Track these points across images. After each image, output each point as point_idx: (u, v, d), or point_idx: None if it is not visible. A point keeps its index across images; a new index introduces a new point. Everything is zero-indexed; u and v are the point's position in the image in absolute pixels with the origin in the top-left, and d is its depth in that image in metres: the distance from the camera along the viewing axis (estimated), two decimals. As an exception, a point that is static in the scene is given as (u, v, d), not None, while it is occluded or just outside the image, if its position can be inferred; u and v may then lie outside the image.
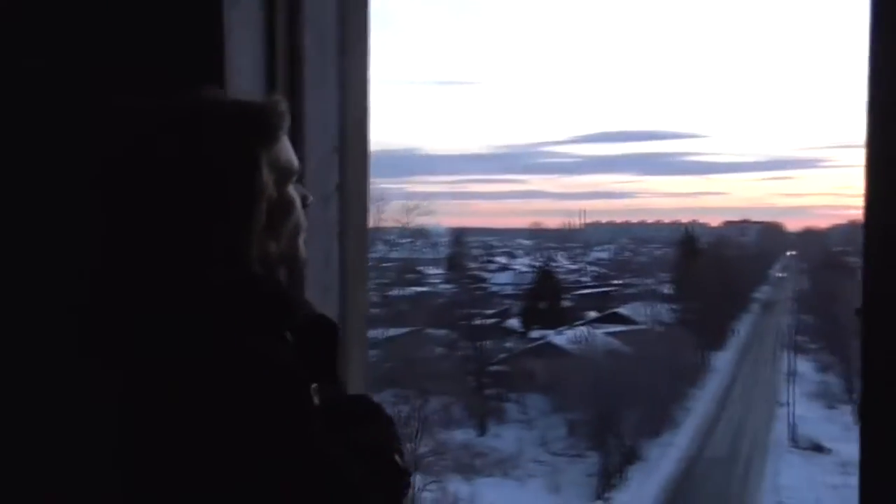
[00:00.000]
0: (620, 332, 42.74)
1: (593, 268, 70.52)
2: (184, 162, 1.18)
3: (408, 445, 28.26)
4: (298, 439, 1.13)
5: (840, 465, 30.51)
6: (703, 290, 48.83)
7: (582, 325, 44.68)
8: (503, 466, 33.09)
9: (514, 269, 64.11)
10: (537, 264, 59.47)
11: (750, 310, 64.42)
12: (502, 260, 73.26)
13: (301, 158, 1.67)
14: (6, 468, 1.55)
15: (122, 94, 1.42)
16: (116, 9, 1.48)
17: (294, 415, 1.14)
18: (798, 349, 47.44)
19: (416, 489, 27.38)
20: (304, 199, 1.34)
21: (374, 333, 32.79)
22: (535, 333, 44.31)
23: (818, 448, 32.94)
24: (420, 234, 50.10)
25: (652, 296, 52.50)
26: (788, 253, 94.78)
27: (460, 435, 33.19)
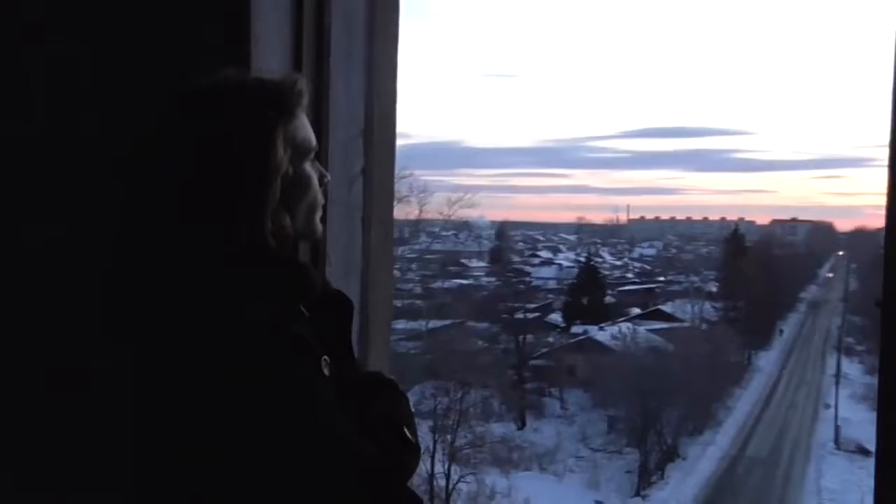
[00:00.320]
0: (663, 329, 42.34)
1: (637, 264, 69.95)
2: (201, 138, 1.22)
3: (446, 437, 28.36)
4: (303, 408, 1.16)
5: (886, 469, 29.93)
6: (749, 289, 48.18)
7: (624, 321, 44.33)
8: (541, 461, 33.02)
9: (558, 264, 63.81)
10: (581, 259, 59.10)
11: (797, 310, 63.44)
12: (546, 254, 72.97)
13: (325, 140, 1.72)
14: (28, 441, 1.60)
15: (153, 76, 1.47)
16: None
17: (299, 384, 1.17)
18: (845, 350, 46.62)
19: (453, 480, 27.47)
20: (321, 177, 1.37)
21: (415, 325, 32.91)
22: (576, 328, 44.07)
23: (863, 451, 32.31)
24: (464, 226, 50.11)
25: (696, 293, 51.95)
26: (838, 253, 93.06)
27: (499, 428, 33.17)
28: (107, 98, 1.55)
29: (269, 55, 1.57)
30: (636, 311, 49.15)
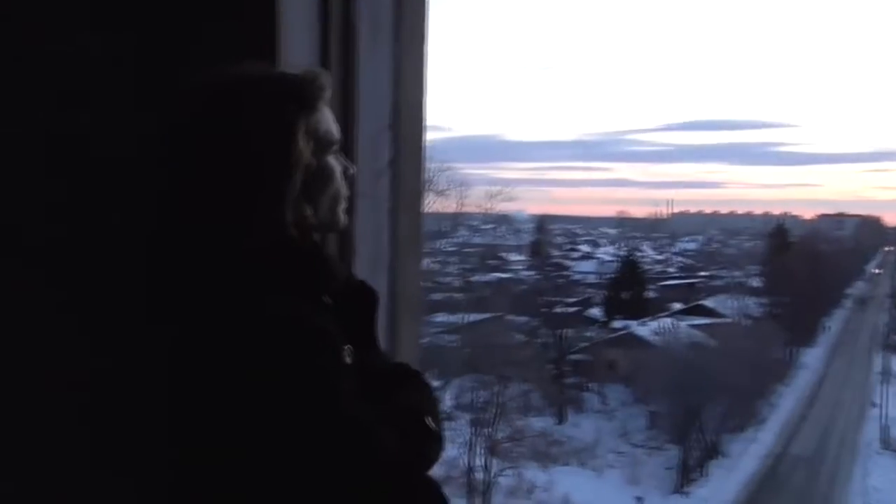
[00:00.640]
0: (705, 324, 41.95)
1: (679, 258, 69.30)
2: (223, 132, 1.24)
3: (485, 430, 28.38)
4: (324, 399, 1.17)
5: (934, 469, 29.38)
6: (793, 285, 47.53)
7: (666, 316, 44.01)
8: (580, 456, 32.91)
9: (598, 258, 63.49)
10: (621, 253, 58.72)
11: (843, 306, 62.42)
12: (586, 248, 72.60)
13: (352, 134, 1.72)
14: (70, 420, 1.64)
15: (178, 72, 1.49)
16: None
17: (320, 374, 1.18)
18: (893, 348, 45.77)
19: (492, 474, 27.51)
20: (345, 169, 1.38)
21: (454, 318, 32.96)
22: (617, 323, 43.84)
23: (911, 451, 31.76)
24: (503, 220, 50.04)
25: (739, 289, 51.37)
26: (886, 248, 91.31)
27: (538, 422, 33.11)
28: (139, 93, 1.58)
29: (296, 49, 1.58)
30: (677, 306, 48.74)
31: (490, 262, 47.29)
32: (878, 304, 61.29)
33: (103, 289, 1.58)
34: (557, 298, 42.80)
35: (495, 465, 27.94)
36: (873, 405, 38.83)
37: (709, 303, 48.65)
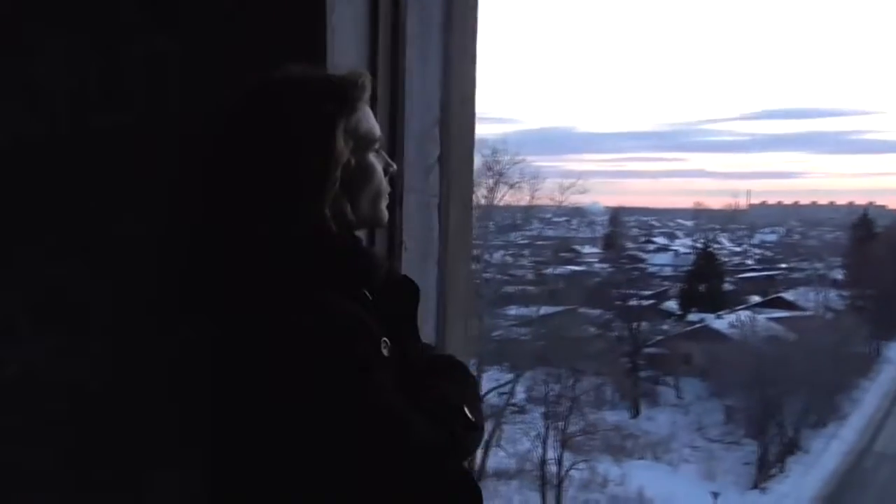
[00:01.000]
0: (785, 317, 40.92)
1: (758, 250, 67.76)
2: (265, 131, 1.30)
3: (558, 424, 28.27)
4: (359, 388, 1.21)
5: None
6: (878, 277, 45.99)
7: (743, 309, 43.05)
8: (655, 450, 32.52)
9: (674, 250, 62.49)
10: (698, 245, 57.66)
11: (931, 298, 60.16)
12: (661, 240, 71.54)
13: (401, 130, 1.77)
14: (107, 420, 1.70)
15: (232, 71, 1.55)
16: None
17: (356, 364, 1.22)
18: (984, 342, 43.99)
19: (565, 467, 27.40)
20: (387, 166, 1.42)
21: (527, 311, 32.87)
22: (693, 316, 43.10)
23: None
24: (577, 212, 49.63)
25: (821, 281, 49.97)
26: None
27: (612, 416, 32.83)
28: (193, 93, 1.64)
29: (346, 48, 1.63)
30: (756, 298, 47.66)
31: (563, 254, 46.93)
32: (970, 296, 58.86)
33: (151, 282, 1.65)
34: (632, 291, 42.24)
35: (568, 458, 27.81)
36: (963, 401, 37.42)
37: (788, 295, 47.44)
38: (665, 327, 42.05)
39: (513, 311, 33.46)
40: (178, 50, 1.64)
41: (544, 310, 33.15)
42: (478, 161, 31.87)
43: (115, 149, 1.69)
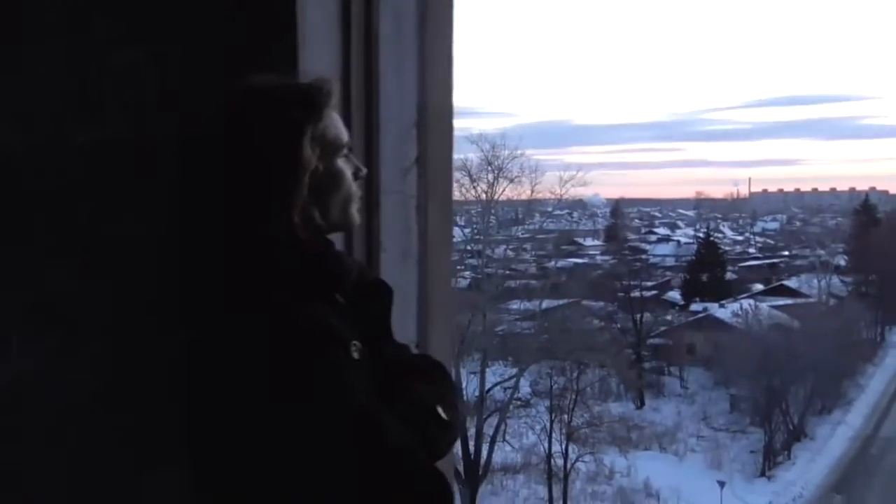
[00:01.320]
0: (788, 305, 40.93)
1: (760, 238, 67.71)
2: (232, 141, 1.33)
3: (563, 417, 28.29)
4: (329, 390, 1.23)
5: None
6: (881, 262, 45.97)
7: (746, 297, 43.06)
8: (661, 440, 32.57)
9: (676, 240, 62.48)
10: (700, 235, 57.62)
11: (935, 282, 60.07)
12: (663, 231, 71.51)
13: (376, 134, 1.79)
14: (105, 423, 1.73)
15: (203, 80, 1.57)
16: None
17: (325, 367, 1.24)
18: None
19: (571, 460, 27.42)
20: (357, 171, 1.44)
21: (530, 305, 32.88)
22: (696, 306, 43.12)
23: None
24: (578, 205, 49.61)
25: (824, 268, 49.92)
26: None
27: (617, 407, 32.88)
28: (166, 102, 1.67)
29: (318, 54, 1.65)
30: (759, 287, 47.69)
31: (565, 247, 46.91)
32: (973, 279, 58.78)
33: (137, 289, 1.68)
34: (635, 282, 42.24)
35: (574, 451, 27.84)
36: (969, 384, 37.39)
37: (791, 283, 47.45)
38: (668, 318, 42.06)
39: (515, 305, 33.46)
40: (153, 60, 1.67)
41: (547, 303, 33.14)
42: (477, 156, 31.93)
43: (100, 156, 1.72)
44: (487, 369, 28.31)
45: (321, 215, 1.38)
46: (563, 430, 28.17)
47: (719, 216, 76.12)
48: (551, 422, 28.24)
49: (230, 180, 1.32)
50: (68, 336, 1.72)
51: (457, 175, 31.95)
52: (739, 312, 38.74)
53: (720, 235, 62.08)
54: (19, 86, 1.74)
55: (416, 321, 1.91)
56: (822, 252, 52.28)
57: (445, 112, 2.01)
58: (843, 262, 51.81)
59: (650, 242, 62.05)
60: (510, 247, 36.19)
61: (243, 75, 1.43)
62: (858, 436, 33.15)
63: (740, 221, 76.70)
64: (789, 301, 42.17)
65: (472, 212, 34.79)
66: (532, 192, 34.16)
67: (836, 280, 48.53)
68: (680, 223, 77.73)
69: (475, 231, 34.04)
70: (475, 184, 32.33)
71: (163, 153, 1.59)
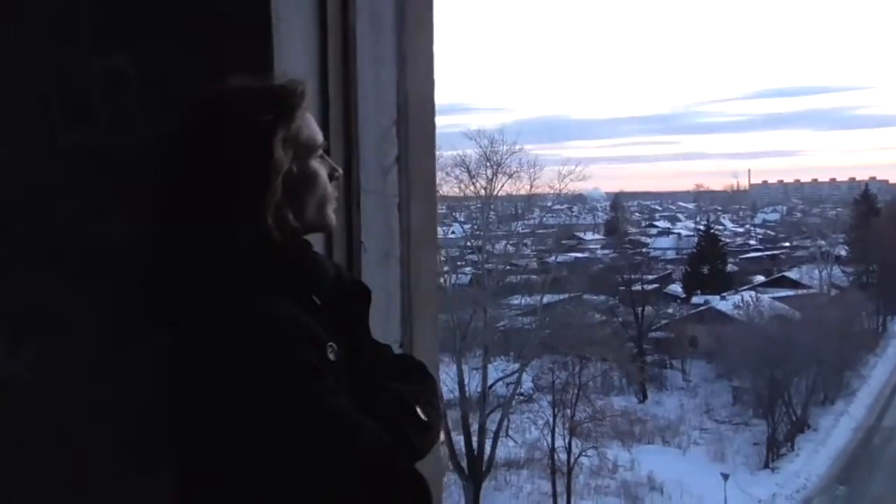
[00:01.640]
0: (789, 296, 40.92)
1: (760, 230, 67.67)
2: (203, 144, 1.33)
3: (566, 411, 28.30)
4: (300, 392, 1.23)
5: None
6: (882, 252, 45.91)
7: (748, 289, 43.02)
8: (664, 434, 32.56)
9: (676, 233, 62.44)
10: (700, 227, 57.58)
11: (936, 271, 60.00)
12: (663, 224, 71.46)
13: (354, 133, 1.79)
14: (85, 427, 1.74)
15: (178, 82, 1.57)
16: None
17: (297, 369, 1.24)
18: None
19: (574, 455, 27.43)
20: (332, 171, 1.45)
21: (531, 300, 32.88)
22: (697, 299, 43.10)
23: None
24: (577, 199, 49.56)
25: (824, 258, 49.86)
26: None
27: (619, 401, 32.86)
28: (148, 105, 1.68)
29: (294, 55, 1.66)
30: (760, 278, 47.67)
31: (566, 242, 46.92)
32: (975, 268, 58.71)
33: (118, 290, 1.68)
34: (636, 276, 42.24)
35: (577, 445, 27.84)
36: (971, 373, 37.36)
37: (792, 274, 47.42)
38: (670, 311, 42.05)
39: (517, 300, 33.46)
40: (133, 65, 1.68)
41: (548, 298, 33.15)
42: (475, 152, 31.91)
43: (83, 160, 1.73)
44: (489, 365, 28.30)
45: (296, 217, 1.38)
46: (566, 425, 28.17)
47: (719, 208, 76.09)
48: (554, 416, 28.25)
49: (202, 183, 1.32)
50: (53, 339, 1.73)
51: (455, 171, 32.02)
52: (741, 304, 38.72)
53: (721, 228, 62.03)
54: (1, 89, 1.74)
55: (400, 320, 1.91)
56: (822, 243, 52.23)
57: (427, 110, 2.02)
58: (843, 253, 51.76)
59: (651, 236, 62.03)
60: (510, 242, 36.18)
61: (221, 77, 1.43)
62: (861, 426, 33.13)
63: (741, 213, 76.70)
64: (790, 292, 42.15)
65: (472, 207, 34.81)
66: (531, 187, 34.19)
67: (837, 270, 48.50)
68: (680, 216, 77.72)
69: (475, 227, 34.07)
70: (474, 180, 32.37)
71: (146, 156, 1.60)
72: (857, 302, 40.29)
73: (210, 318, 1.28)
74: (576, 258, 44.64)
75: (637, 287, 40.98)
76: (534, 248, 40.69)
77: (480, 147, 32.06)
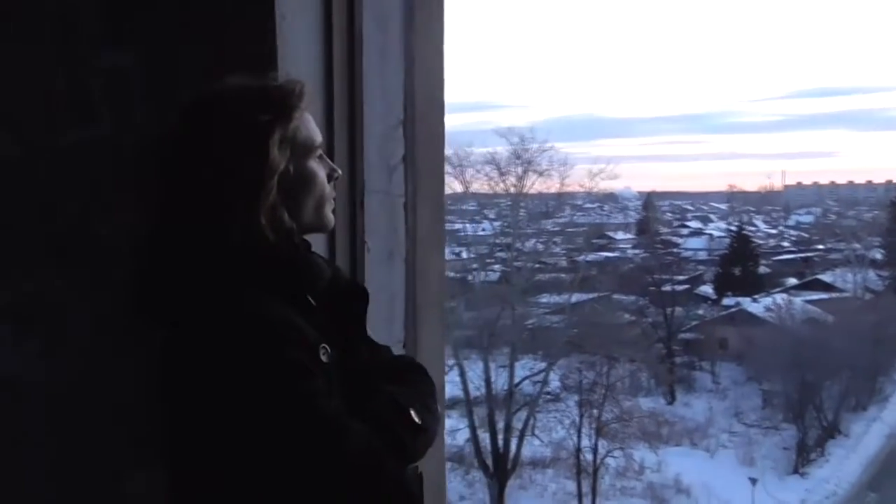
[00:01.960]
0: (822, 299, 40.38)
1: (794, 232, 66.83)
2: (199, 143, 1.33)
3: (592, 411, 28.17)
4: (289, 393, 1.23)
5: None
6: (919, 256, 45.19)
7: (779, 292, 42.53)
8: (692, 436, 32.30)
9: (708, 234, 61.83)
10: (733, 228, 57.01)
11: (974, 276, 58.91)
12: (695, 224, 70.79)
13: (359, 134, 1.79)
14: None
15: (182, 83, 1.58)
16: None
17: (286, 370, 1.24)
18: None
19: (600, 455, 27.31)
20: (331, 172, 1.45)
21: (560, 299, 32.78)
22: (728, 300, 42.66)
23: None
24: (609, 198, 49.31)
25: (859, 262, 49.12)
26: None
27: (647, 402, 32.63)
28: (151, 104, 1.69)
29: (298, 55, 1.66)
30: (792, 281, 47.05)
31: (596, 241, 46.66)
32: None
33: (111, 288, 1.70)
34: (666, 276, 41.90)
35: (603, 446, 27.72)
36: None
37: (826, 277, 46.77)
38: (700, 312, 41.70)
39: (545, 298, 33.36)
40: (138, 62, 1.68)
41: (577, 297, 33.01)
42: (506, 149, 31.87)
43: (88, 157, 1.74)
44: (516, 363, 28.26)
45: (291, 217, 1.38)
46: (593, 425, 28.05)
47: (752, 209, 75.24)
48: (581, 416, 28.14)
49: (196, 182, 1.33)
50: (53, 336, 1.75)
51: (486, 168, 32.01)
52: (772, 307, 38.29)
53: (753, 229, 61.33)
54: (6, 86, 1.76)
55: (404, 320, 1.91)
56: (857, 246, 51.45)
57: (436, 110, 2.01)
58: (879, 256, 50.97)
59: (682, 236, 61.46)
60: (540, 240, 36.08)
61: (224, 76, 1.44)
62: (894, 433, 32.63)
63: (774, 215, 75.79)
64: (824, 295, 41.61)
65: (502, 205, 34.75)
66: (562, 185, 34.07)
67: (871, 274, 47.74)
68: (712, 216, 76.95)
69: (505, 224, 34.02)
70: (504, 177, 32.32)
71: (148, 155, 1.60)
72: (892, 306, 39.61)
73: (201, 318, 1.28)
74: (606, 257, 44.37)
75: (667, 287, 40.66)
76: (564, 246, 40.50)
77: (511, 144, 32.03)
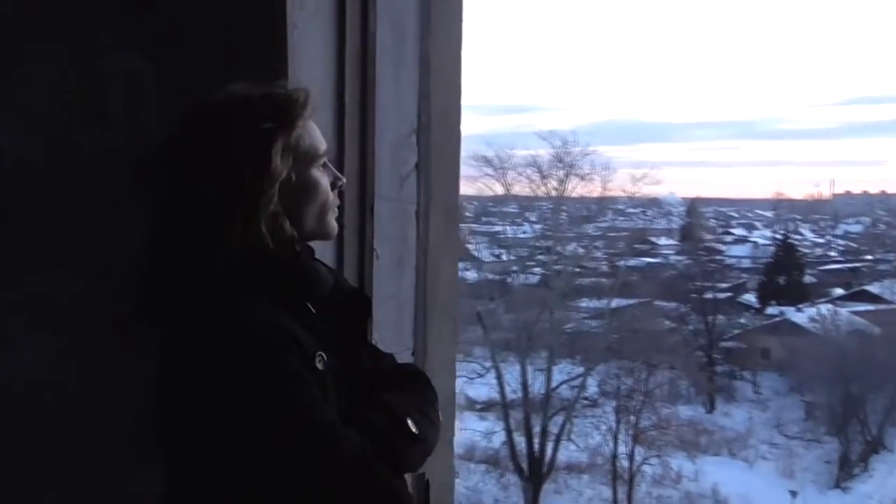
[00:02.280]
0: (869, 311, 39.57)
1: (841, 241, 65.58)
2: (201, 150, 1.34)
3: (630, 418, 27.93)
4: (281, 400, 1.24)
5: None
6: (971, 269, 44.11)
7: (825, 302, 41.77)
8: (731, 446, 31.87)
9: (753, 242, 60.97)
10: (778, 237, 56.15)
11: None
12: (740, 231, 69.85)
13: (371, 142, 1.79)
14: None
15: (193, 89, 1.59)
16: (184, 6, 1.65)
17: (279, 377, 1.24)
18: None
19: (637, 462, 27.08)
20: (335, 180, 1.45)
21: (599, 304, 32.55)
22: (772, 309, 42.02)
23: None
24: (652, 203, 48.89)
25: (909, 273, 48.09)
26: None
27: (686, 411, 32.26)
28: (167, 109, 1.70)
29: (310, 63, 1.66)
30: (838, 291, 46.19)
31: (638, 246, 46.26)
32: None
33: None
34: (709, 284, 41.38)
35: (640, 453, 27.47)
36: None
37: (874, 288, 45.82)
38: (743, 321, 41.14)
39: (585, 303, 33.17)
40: (152, 68, 1.70)
41: (617, 302, 32.76)
42: (548, 153, 31.78)
43: (103, 162, 1.76)
44: (554, 367, 28.12)
45: (293, 224, 1.39)
46: (630, 432, 27.82)
47: (799, 217, 74.01)
48: (618, 423, 27.92)
49: (197, 188, 1.34)
50: (71, 337, 1.77)
51: (527, 171, 31.93)
52: (817, 317, 37.62)
53: (799, 237, 60.34)
54: (22, 91, 1.78)
55: (413, 328, 1.90)
56: (908, 257, 50.41)
57: (451, 118, 2.01)
58: (929, 268, 49.85)
59: (726, 243, 60.64)
60: (581, 244, 35.87)
61: (236, 82, 1.44)
62: (940, 449, 31.92)
63: (821, 223, 74.48)
64: (871, 307, 40.77)
65: (543, 208, 34.62)
66: (604, 189, 33.85)
67: (921, 286, 46.71)
68: (757, 224, 75.83)
69: (546, 227, 33.89)
70: (546, 180, 32.21)
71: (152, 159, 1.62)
72: (941, 320, 38.75)
73: (196, 323, 1.29)
74: (647, 263, 43.98)
75: (709, 295, 40.17)
76: (605, 251, 40.22)
77: (553, 147, 31.91)
